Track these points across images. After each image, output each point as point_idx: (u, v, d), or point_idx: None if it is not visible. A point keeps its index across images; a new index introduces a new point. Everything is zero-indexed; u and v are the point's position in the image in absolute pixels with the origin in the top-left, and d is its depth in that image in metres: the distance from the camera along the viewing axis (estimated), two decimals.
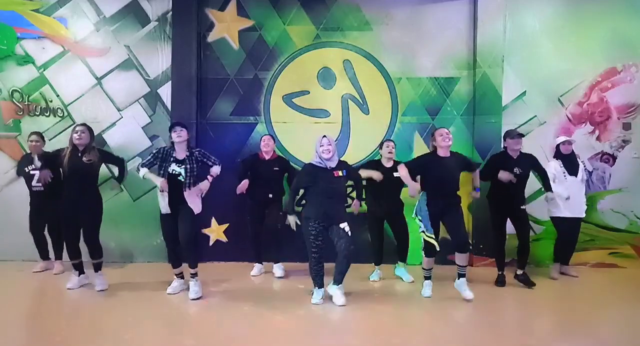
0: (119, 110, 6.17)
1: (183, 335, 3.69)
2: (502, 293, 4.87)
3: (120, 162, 5.10)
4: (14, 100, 6.16)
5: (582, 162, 5.50)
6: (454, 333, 3.82)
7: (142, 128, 6.15)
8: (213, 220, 6.14)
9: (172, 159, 4.58)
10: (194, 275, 4.63)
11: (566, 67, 6.04)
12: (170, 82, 6.11)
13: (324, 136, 4.47)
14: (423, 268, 4.72)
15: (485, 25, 5.99)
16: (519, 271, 5.11)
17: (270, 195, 5.37)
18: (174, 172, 4.54)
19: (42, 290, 5.09)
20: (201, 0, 6.18)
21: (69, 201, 4.69)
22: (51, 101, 6.17)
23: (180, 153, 4.62)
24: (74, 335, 3.76)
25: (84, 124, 4.89)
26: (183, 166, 4.56)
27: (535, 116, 6.07)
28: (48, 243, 5.64)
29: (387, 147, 5.26)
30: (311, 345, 3.60)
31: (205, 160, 4.73)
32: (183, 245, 4.59)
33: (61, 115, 6.16)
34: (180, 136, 4.57)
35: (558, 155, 5.42)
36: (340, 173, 4.46)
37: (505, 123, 5.97)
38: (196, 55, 6.13)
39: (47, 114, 6.16)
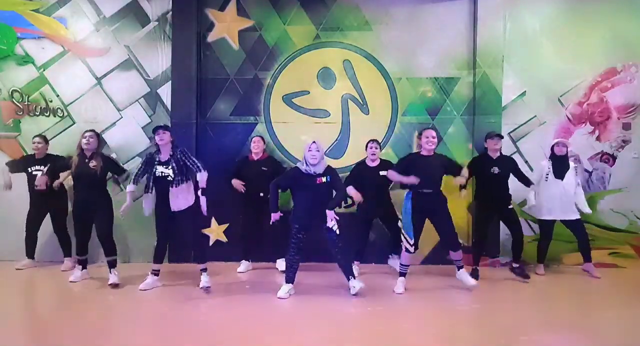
0: (118, 110, 6.18)
1: (184, 334, 3.69)
2: (499, 291, 4.88)
3: (121, 172, 5.28)
4: (14, 100, 6.16)
5: (575, 166, 5.51)
6: (453, 332, 3.82)
7: (142, 128, 6.15)
8: (213, 220, 6.14)
9: (156, 162, 4.72)
10: (204, 270, 4.86)
11: (566, 67, 6.04)
12: (170, 82, 6.11)
13: (314, 142, 4.60)
14: (400, 264, 4.83)
15: (485, 25, 5.99)
16: (515, 264, 5.31)
17: (262, 194, 5.39)
18: (162, 173, 4.68)
19: (38, 287, 5.12)
20: (201, 0, 6.18)
21: (79, 202, 4.97)
22: (51, 101, 6.17)
23: (165, 154, 4.76)
24: (73, 334, 3.76)
25: (92, 130, 5.12)
26: (170, 166, 4.68)
27: (535, 116, 6.07)
28: (37, 244, 5.73)
29: (371, 148, 5.43)
30: (315, 340, 3.61)
31: (186, 160, 4.75)
32: (191, 246, 5.05)
33: (61, 115, 6.17)
34: (162, 139, 4.70)
35: (552, 155, 5.47)
36: (323, 180, 4.59)
37: (505, 123, 5.98)
38: (196, 55, 6.12)
39: (47, 114, 6.17)
